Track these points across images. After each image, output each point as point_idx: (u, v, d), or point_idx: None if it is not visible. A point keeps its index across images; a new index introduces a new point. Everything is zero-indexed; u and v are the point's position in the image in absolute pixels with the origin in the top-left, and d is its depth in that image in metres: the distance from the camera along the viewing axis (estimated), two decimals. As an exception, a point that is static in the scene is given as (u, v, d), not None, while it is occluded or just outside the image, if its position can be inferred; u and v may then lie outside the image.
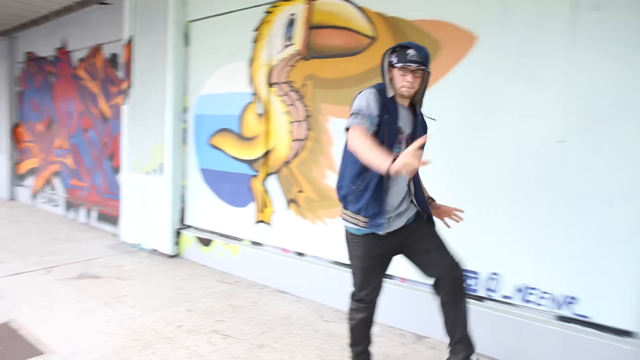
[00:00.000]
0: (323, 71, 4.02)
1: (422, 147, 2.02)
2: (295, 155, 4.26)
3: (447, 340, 2.51)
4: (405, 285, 3.54)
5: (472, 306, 3.14)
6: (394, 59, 2.31)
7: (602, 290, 2.80)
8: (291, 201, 4.32)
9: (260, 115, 4.56)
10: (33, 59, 8.49)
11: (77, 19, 7.06)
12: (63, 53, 7.61)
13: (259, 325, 3.59)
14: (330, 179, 4.01)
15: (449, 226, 2.64)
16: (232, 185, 4.85)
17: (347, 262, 2.57)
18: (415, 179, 2.50)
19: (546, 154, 2.93)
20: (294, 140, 4.27)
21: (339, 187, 2.47)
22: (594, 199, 2.79)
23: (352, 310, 2.61)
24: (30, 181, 8.80)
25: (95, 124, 6.97)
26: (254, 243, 4.69)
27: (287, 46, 4.28)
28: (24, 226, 6.82)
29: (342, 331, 3.44)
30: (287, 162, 4.34)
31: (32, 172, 8.76)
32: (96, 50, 6.85)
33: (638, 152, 2.65)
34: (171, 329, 3.45)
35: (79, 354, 3.03)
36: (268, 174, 4.51)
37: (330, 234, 4.02)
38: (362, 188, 2.34)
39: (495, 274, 3.18)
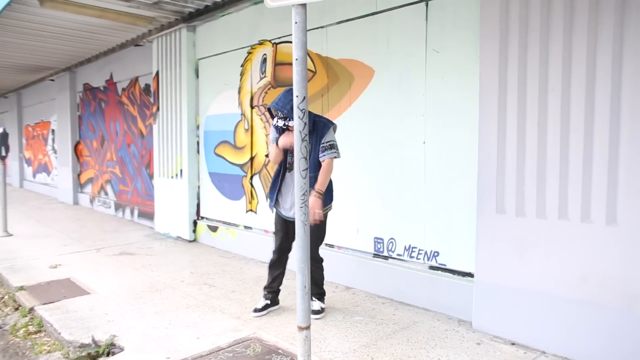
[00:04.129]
0: (284, 96, 5.44)
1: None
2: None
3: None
4: (340, 251, 4.90)
5: (380, 263, 4.49)
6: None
7: (453, 246, 4.05)
8: (268, 193, 5.76)
9: (246, 130, 6.04)
10: (89, 89, 10.42)
11: (120, 56, 8.85)
12: (111, 84, 9.44)
13: (237, 281, 5.05)
14: (293, 176, 5.41)
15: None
16: (230, 183, 6.36)
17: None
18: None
19: (416, 151, 4.22)
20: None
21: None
22: (445, 182, 4.06)
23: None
24: (88, 188, 10.73)
25: (135, 140, 8.72)
26: (246, 227, 6.17)
27: (262, 78, 5.75)
28: (83, 222, 8.64)
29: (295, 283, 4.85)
30: (265, 165, 5.79)
31: (89, 181, 10.69)
32: (134, 81, 8.60)
33: (469, 147, 3.90)
34: (175, 282, 4.97)
35: (113, 294, 4.60)
36: (253, 174, 5.98)
37: (293, 216, 5.42)
38: None
39: (392, 239, 4.48)
